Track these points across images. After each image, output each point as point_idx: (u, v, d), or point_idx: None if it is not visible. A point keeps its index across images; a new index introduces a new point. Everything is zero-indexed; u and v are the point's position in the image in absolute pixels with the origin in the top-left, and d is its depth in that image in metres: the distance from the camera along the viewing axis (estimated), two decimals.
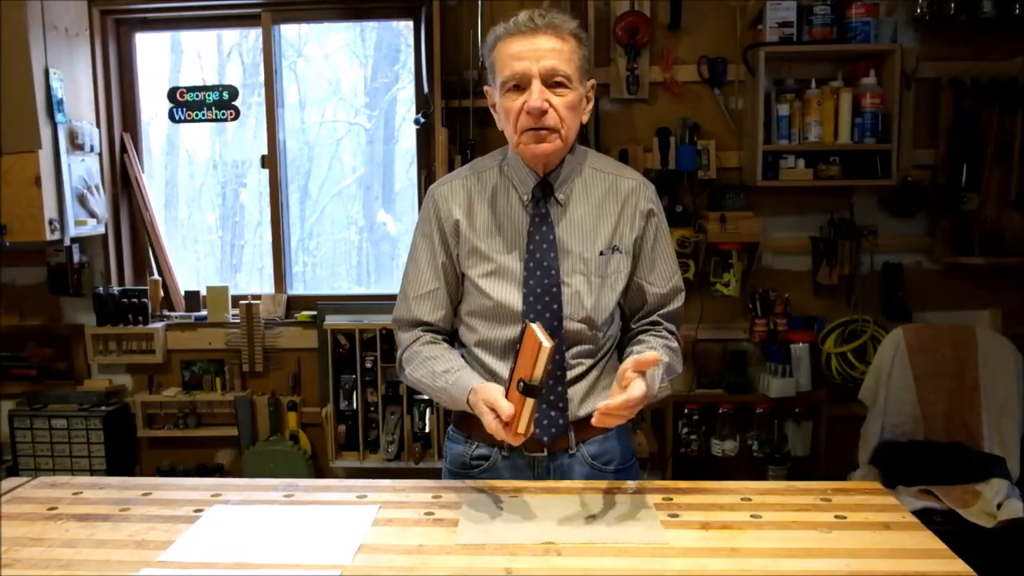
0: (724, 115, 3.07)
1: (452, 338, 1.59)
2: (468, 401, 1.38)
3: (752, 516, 1.30)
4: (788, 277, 3.15)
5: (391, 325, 1.62)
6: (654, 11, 3.02)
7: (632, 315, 1.58)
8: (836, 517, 1.29)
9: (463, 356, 1.55)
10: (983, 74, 2.95)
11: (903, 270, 3.10)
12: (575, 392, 1.50)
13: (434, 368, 1.47)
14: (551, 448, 1.50)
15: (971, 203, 2.95)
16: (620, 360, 1.46)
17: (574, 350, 1.49)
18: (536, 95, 1.37)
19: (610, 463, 1.55)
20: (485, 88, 1.52)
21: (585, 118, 1.50)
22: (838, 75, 2.93)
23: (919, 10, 2.89)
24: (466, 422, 1.55)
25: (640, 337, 1.54)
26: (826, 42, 2.85)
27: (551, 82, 1.39)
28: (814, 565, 1.13)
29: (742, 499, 1.37)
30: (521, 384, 1.23)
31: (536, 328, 1.24)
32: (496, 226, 1.50)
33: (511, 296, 1.47)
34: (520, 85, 1.40)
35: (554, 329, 1.45)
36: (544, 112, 1.38)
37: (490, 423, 1.29)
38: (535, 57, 1.38)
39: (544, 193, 1.48)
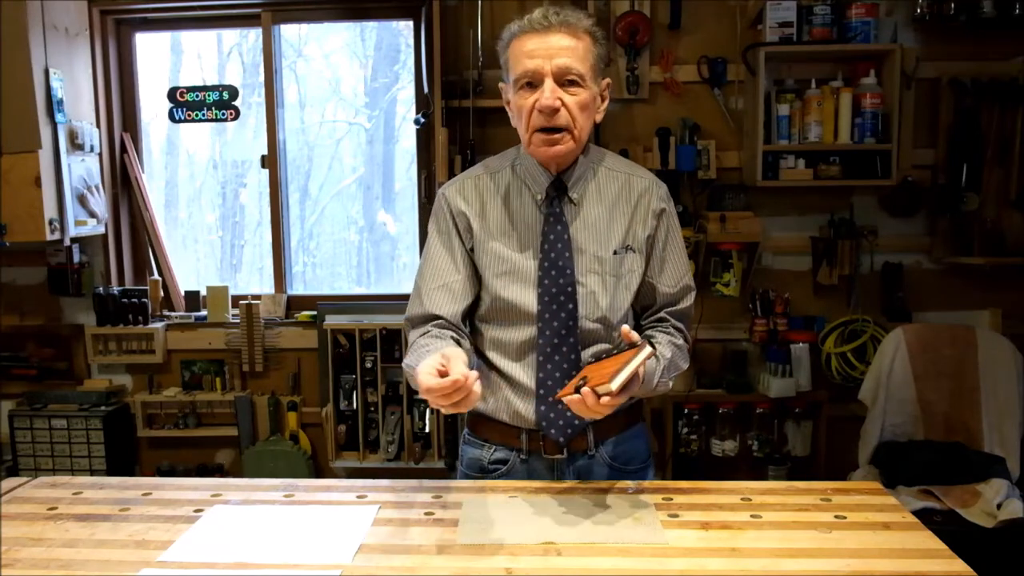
0: (724, 115, 3.07)
1: (465, 337, 1.50)
2: (416, 377, 1.24)
3: (752, 516, 1.29)
4: (788, 277, 3.15)
5: (403, 326, 1.55)
6: (654, 11, 3.02)
7: (642, 312, 1.58)
8: (836, 517, 1.29)
9: (479, 364, 1.51)
10: (983, 74, 2.95)
11: (903, 270, 3.10)
12: None
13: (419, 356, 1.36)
14: (570, 450, 1.49)
15: (971, 203, 2.95)
16: None
17: (590, 350, 1.47)
18: (548, 93, 1.36)
19: (629, 463, 1.55)
20: (500, 85, 1.51)
21: (599, 117, 1.48)
22: (838, 75, 2.93)
23: (919, 10, 2.89)
24: (481, 426, 1.55)
25: (647, 333, 1.54)
26: (826, 42, 2.85)
27: (564, 80, 1.37)
28: (814, 565, 1.13)
29: (742, 499, 1.37)
30: (583, 381, 1.23)
31: (640, 356, 1.25)
32: (510, 225, 1.48)
33: (525, 296, 1.45)
34: (533, 83, 1.38)
35: (569, 328, 1.44)
36: (556, 111, 1.37)
37: (426, 382, 1.17)
38: (548, 55, 1.36)
39: (558, 192, 1.47)
